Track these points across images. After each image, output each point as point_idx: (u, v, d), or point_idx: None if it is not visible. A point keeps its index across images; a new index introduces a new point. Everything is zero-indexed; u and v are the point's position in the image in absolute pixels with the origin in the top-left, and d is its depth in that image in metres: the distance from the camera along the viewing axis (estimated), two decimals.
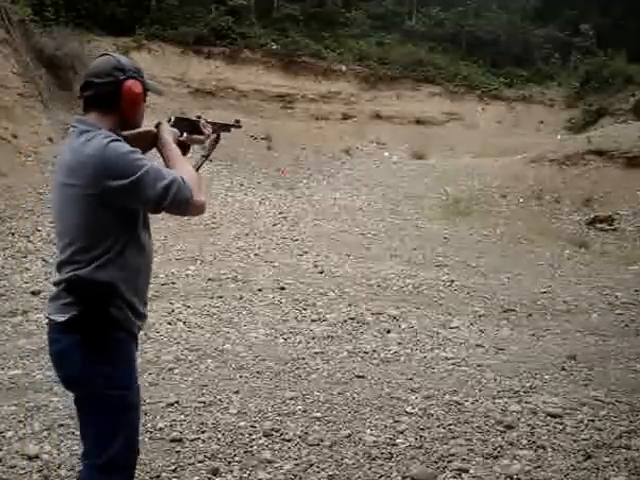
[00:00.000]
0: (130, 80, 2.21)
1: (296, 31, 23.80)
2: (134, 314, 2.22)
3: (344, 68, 23.71)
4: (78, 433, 2.31)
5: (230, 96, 21.32)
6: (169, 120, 2.45)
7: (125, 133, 2.23)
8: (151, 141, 2.33)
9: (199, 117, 2.55)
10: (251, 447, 3.59)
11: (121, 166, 2.04)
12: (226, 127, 2.72)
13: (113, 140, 2.09)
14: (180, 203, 2.10)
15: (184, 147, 2.43)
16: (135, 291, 2.22)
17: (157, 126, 2.36)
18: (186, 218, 10.40)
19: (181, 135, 2.45)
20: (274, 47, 22.96)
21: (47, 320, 2.22)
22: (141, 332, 5.29)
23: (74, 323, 2.11)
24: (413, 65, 24.38)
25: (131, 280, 2.20)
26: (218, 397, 4.22)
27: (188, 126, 2.50)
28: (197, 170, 2.43)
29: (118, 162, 2.05)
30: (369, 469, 3.38)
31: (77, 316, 2.10)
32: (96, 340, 2.12)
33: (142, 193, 2.06)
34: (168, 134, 2.35)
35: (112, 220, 2.13)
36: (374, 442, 3.66)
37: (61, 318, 2.13)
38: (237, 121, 2.82)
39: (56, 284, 2.19)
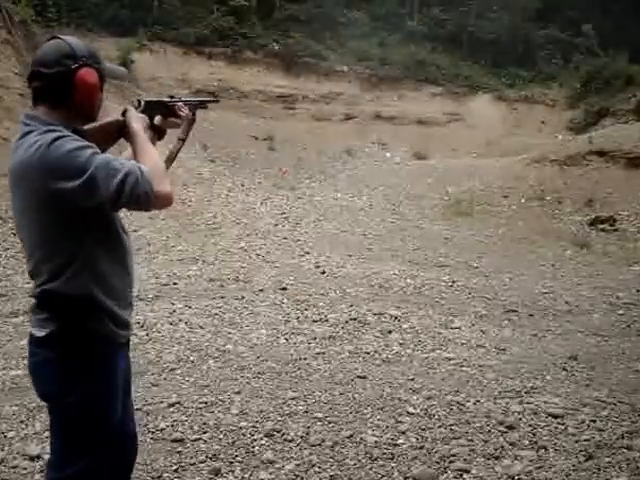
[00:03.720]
0: (83, 69, 1.96)
1: (297, 31, 23.82)
2: (116, 324, 2.06)
3: (345, 68, 23.73)
4: None
5: (232, 97, 21.34)
6: (138, 104, 2.23)
7: (87, 127, 2.03)
8: (117, 132, 2.12)
9: (172, 97, 2.33)
10: (253, 447, 3.59)
11: (67, 166, 1.83)
12: (202, 104, 2.49)
13: (58, 137, 1.87)
14: (139, 197, 1.86)
15: (159, 132, 2.23)
16: (115, 297, 2.06)
17: (124, 114, 2.12)
18: (187, 218, 10.42)
19: (152, 119, 2.22)
20: (276, 48, 23.01)
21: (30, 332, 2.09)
22: (143, 332, 5.27)
23: (51, 339, 1.98)
24: (414, 65, 24.42)
25: (109, 287, 2.03)
26: (220, 397, 4.22)
27: (162, 109, 2.26)
28: (176, 155, 2.27)
29: (63, 161, 1.83)
30: (370, 469, 3.39)
31: (55, 332, 1.97)
32: (75, 356, 2.00)
33: (95, 192, 1.84)
34: (136, 121, 2.11)
35: (72, 225, 1.93)
36: (375, 442, 3.66)
37: (39, 333, 2.00)
38: (214, 94, 2.62)
39: (32, 297, 2.05)
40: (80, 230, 1.95)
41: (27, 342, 2.12)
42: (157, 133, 2.22)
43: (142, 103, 2.23)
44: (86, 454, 2.06)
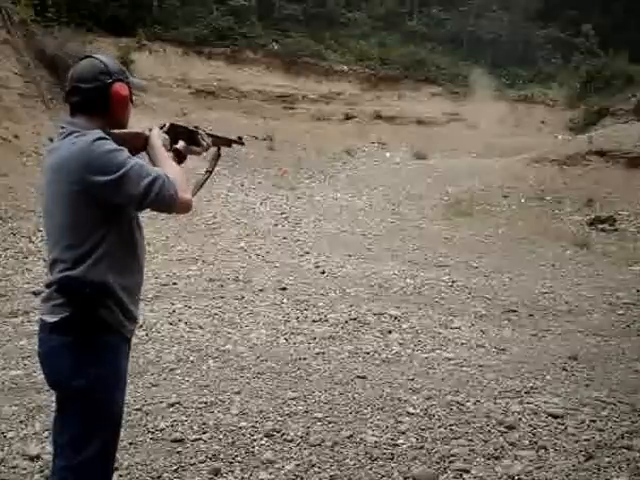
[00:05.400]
0: (117, 83, 2.23)
1: (297, 31, 23.83)
2: (125, 316, 2.23)
3: (345, 68, 23.72)
4: None
5: (231, 96, 21.33)
6: (163, 126, 2.43)
7: (116, 132, 2.24)
8: (142, 144, 2.33)
9: (197, 127, 2.53)
10: (252, 447, 3.59)
11: (105, 162, 2.06)
12: (228, 142, 2.71)
13: (100, 138, 2.11)
14: (164, 199, 2.11)
15: (179, 156, 2.41)
16: (127, 291, 2.23)
17: (149, 130, 2.38)
18: (187, 218, 10.41)
19: (176, 142, 2.43)
20: (275, 47, 23.00)
21: (40, 321, 2.23)
22: (143, 332, 5.28)
23: (64, 324, 2.12)
24: (414, 65, 24.41)
25: (123, 280, 2.21)
26: (219, 397, 4.22)
27: (184, 134, 2.47)
28: (202, 185, 2.53)
29: (102, 158, 2.07)
30: (370, 469, 3.39)
31: (68, 317, 2.12)
32: (85, 342, 2.14)
33: (125, 190, 2.08)
34: (157, 138, 2.35)
35: (98, 217, 2.14)
36: (375, 442, 3.66)
37: (52, 319, 2.14)
38: (240, 138, 2.79)
39: (48, 285, 2.19)
40: (106, 222, 2.16)
41: (38, 331, 2.23)
42: (177, 156, 2.40)
43: (167, 124, 2.43)
44: (97, 438, 2.19)
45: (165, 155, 2.32)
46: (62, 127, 2.23)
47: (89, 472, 2.19)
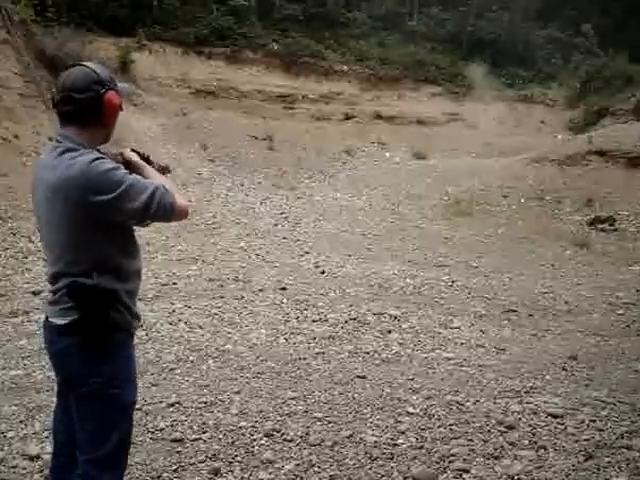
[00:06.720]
0: (109, 92, 2.26)
1: (297, 31, 23.81)
2: (131, 315, 2.33)
3: (345, 68, 23.71)
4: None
5: (231, 96, 21.31)
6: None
7: (105, 152, 2.30)
8: (121, 162, 2.39)
9: (149, 156, 2.65)
10: (252, 447, 3.59)
11: (105, 182, 2.11)
12: (162, 169, 2.82)
13: (97, 158, 2.16)
14: (165, 209, 2.19)
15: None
16: (130, 294, 2.33)
17: (121, 154, 2.46)
18: (187, 218, 10.41)
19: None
20: (275, 47, 22.97)
21: (45, 322, 2.31)
22: (142, 332, 5.29)
23: (75, 326, 2.19)
24: (414, 65, 24.39)
25: (127, 285, 2.30)
26: (219, 397, 4.23)
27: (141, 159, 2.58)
28: None
29: (101, 177, 2.11)
30: (370, 469, 3.39)
31: (78, 320, 2.18)
32: (96, 342, 2.22)
33: (127, 206, 2.14)
34: (136, 157, 2.46)
35: (101, 236, 2.21)
36: (375, 442, 3.67)
37: (62, 321, 2.21)
38: (167, 167, 2.91)
39: (54, 291, 2.26)
40: (109, 237, 2.23)
41: (45, 332, 2.32)
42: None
43: (128, 150, 2.55)
44: (117, 430, 2.30)
45: (151, 168, 2.43)
46: (57, 141, 2.25)
47: (110, 463, 2.30)
